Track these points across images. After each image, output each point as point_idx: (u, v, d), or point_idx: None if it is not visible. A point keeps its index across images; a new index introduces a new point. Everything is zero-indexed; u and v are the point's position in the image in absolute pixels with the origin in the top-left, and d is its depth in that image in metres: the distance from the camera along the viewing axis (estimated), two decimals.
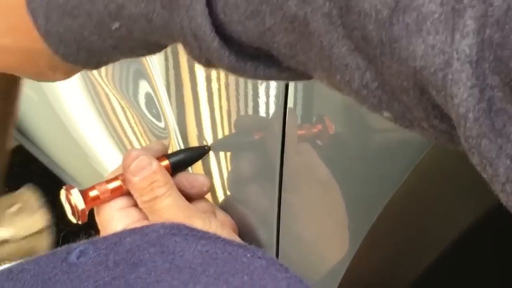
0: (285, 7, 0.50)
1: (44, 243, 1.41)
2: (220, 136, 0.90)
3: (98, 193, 0.82)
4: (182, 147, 0.95)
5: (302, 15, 0.49)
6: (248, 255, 0.52)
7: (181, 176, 0.85)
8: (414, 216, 0.81)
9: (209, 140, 0.91)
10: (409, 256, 0.87)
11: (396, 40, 0.45)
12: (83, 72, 1.18)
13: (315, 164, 0.81)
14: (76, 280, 0.50)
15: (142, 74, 1.03)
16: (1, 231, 1.40)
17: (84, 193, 0.82)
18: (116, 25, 0.56)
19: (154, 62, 0.99)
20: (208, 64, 0.54)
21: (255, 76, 0.55)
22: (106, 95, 1.14)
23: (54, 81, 0.65)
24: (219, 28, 0.52)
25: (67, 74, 0.64)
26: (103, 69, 1.11)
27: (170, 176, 0.83)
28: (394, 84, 0.47)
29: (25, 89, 1.35)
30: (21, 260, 0.54)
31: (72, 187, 0.82)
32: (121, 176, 0.83)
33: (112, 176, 0.84)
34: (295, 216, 0.85)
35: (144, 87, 1.04)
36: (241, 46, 0.53)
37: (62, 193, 0.83)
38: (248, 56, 0.54)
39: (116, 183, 0.83)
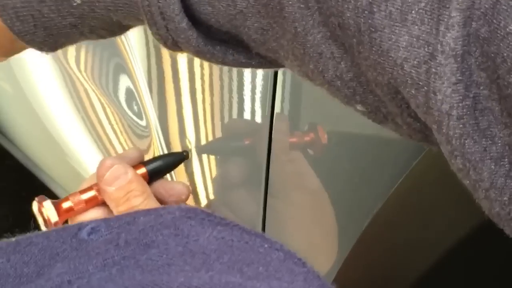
0: None
1: None
2: (203, 135, 0.88)
3: (72, 205, 0.79)
4: (164, 146, 0.92)
5: None
6: (266, 245, 0.50)
7: (158, 185, 0.82)
8: (405, 224, 0.79)
9: (191, 139, 0.88)
10: (399, 266, 0.85)
11: (377, 30, 0.43)
12: (61, 65, 1.14)
13: (304, 172, 0.79)
14: (85, 257, 0.48)
15: (123, 69, 1.00)
16: None
17: (57, 205, 0.79)
18: (77, 1, 0.53)
19: (136, 57, 0.96)
20: (174, 46, 0.52)
21: (223, 62, 0.53)
22: (85, 90, 1.11)
23: None
24: (187, 10, 0.50)
25: (4, 56, 0.61)
26: (82, 63, 1.07)
27: (147, 185, 0.80)
28: (369, 76, 0.45)
29: None
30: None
31: (44, 199, 0.79)
32: (95, 185, 0.80)
33: (87, 185, 0.81)
34: (281, 223, 0.82)
35: (125, 83, 1.01)
36: (209, 30, 0.51)
37: (34, 205, 0.80)
38: (217, 40, 0.52)
39: (91, 193, 0.80)
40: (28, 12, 0.55)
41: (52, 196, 0.87)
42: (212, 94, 0.86)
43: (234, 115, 0.85)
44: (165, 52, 0.91)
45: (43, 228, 0.80)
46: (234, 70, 0.82)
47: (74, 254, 0.48)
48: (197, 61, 0.87)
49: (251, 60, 0.53)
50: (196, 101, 0.88)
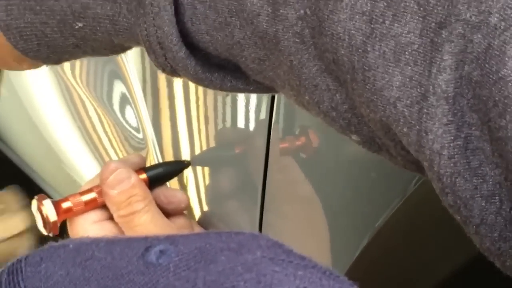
0: (256, 22, 0.48)
1: (25, 245, 1.37)
2: (197, 147, 0.88)
3: (71, 205, 0.79)
4: (159, 156, 0.92)
5: (272, 32, 0.48)
6: None
7: (159, 191, 0.82)
8: (406, 248, 0.79)
9: (185, 149, 0.89)
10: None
11: (371, 68, 0.44)
12: (56, 72, 1.14)
13: (297, 180, 0.79)
14: None
15: (118, 76, 1.00)
16: None
17: (56, 204, 0.79)
18: (79, 24, 0.55)
19: (131, 63, 0.96)
20: (173, 73, 0.53)
21: (221, 88, 0.54)
22: (81, 99, 1.11)
23: (21, 70, 0.64)
24: (185, 37, 0.51)
25: (34, 65, 0.63)
26: (77, 73, 1.08)
27: (149, 191, 0.80)
28: (362, 111, 0.46)
29: None
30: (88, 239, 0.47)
31: (44, 197, 0.79)
32: (96, 188, 0.80)
33: (87, 187, 0.81)
34: (276, 236, 0.82)
35: (121, 93, 1.01)
36: (207, 56, 0.52)
37: (34, 203, 0.80)
38: (215, 66, 0.53)
39: (91, 195, 0.80)
40: (32, 32, 0.56)
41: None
42: (205, 105, 0.86)
43: (228, 124, 0.85)
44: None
45: (40, 228, 0.80)
46: None
47: (141, 279, 0.44)
48: None
49: (249, 86, 0.54)
50: (191, 114, 0.88)
